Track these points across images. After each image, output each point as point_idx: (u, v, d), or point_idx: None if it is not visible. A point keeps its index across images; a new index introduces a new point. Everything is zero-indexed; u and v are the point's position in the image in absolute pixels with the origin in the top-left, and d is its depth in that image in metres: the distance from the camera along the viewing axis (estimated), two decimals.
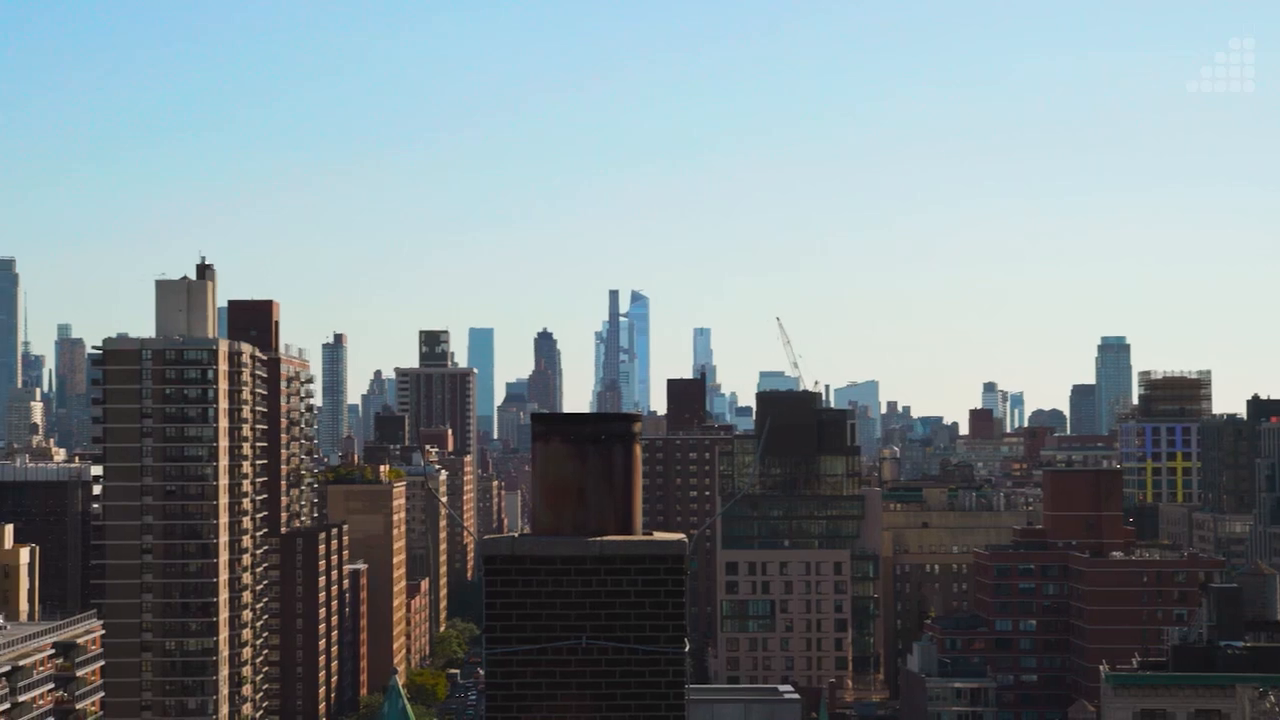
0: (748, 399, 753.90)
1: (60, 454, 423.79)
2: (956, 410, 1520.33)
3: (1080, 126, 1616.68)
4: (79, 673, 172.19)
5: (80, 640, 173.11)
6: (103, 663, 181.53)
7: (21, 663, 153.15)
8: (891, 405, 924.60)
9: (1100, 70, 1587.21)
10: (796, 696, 57.21)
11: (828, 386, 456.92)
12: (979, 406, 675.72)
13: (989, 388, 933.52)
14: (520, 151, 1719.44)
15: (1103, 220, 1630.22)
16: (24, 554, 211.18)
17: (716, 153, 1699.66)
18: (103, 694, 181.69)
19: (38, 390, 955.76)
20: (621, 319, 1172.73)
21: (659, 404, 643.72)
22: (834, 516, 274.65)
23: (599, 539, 17.31)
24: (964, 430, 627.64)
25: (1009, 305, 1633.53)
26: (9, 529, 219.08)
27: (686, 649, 17.34)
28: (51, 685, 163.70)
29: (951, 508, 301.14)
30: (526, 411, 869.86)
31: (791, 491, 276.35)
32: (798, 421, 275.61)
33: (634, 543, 17.35)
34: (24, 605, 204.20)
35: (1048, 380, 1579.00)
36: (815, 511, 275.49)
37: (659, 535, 17.76)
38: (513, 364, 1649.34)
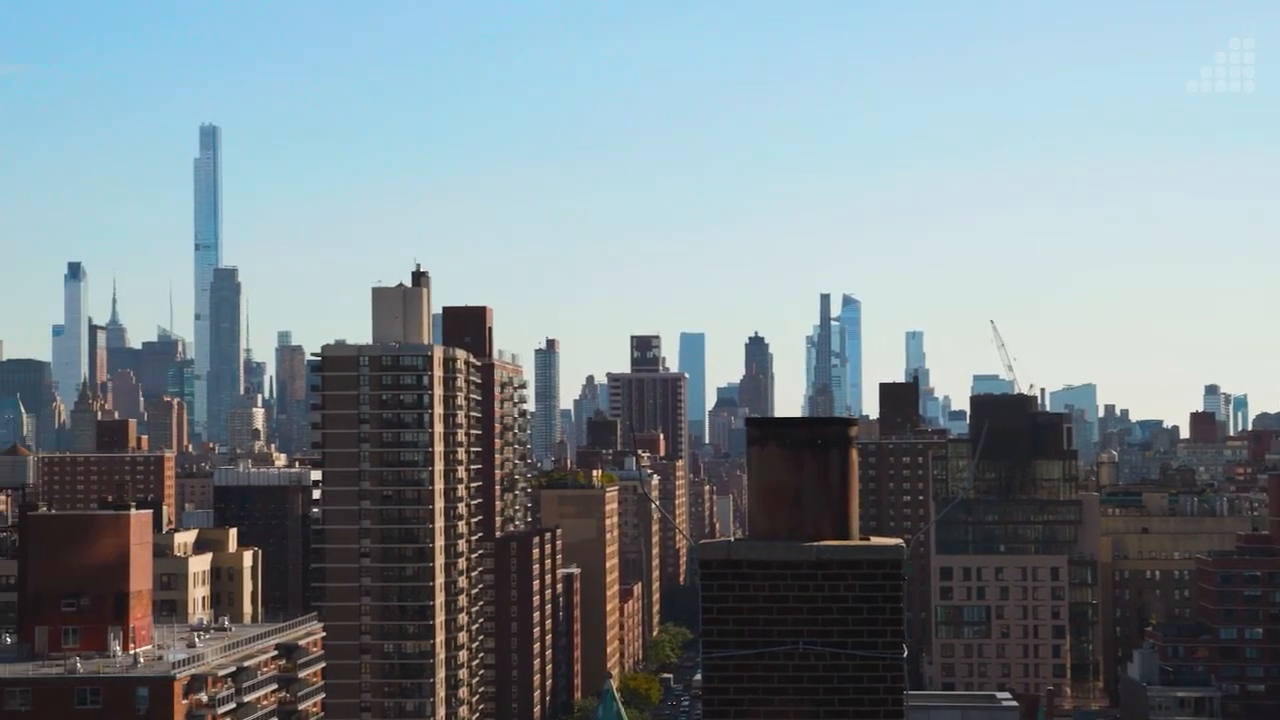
0: (961, 403, 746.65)
1: (281, 459, 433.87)
2: (1177, 413, 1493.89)
3: None
4: (301, 674, 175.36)
5: (302, 642, 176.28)
6: (323, 664, 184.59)
7: (246, 664, 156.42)
8: (1109, 409, 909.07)
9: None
10: (1014, 703, 56.46)
11: (1043, 390, 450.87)
12: (1200, 409, 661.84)
13: (1211, 390, 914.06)
14: (732, 154, 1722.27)
15: None
16: (247, 557, 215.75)
17: (927, 156, 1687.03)
18: (324, 695, 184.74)
19: (259, 396, 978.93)
20: (833, 323, 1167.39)
21: (871, 408, 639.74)
22: (1050, 521, 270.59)
23: (816, 543, 17.15)
24: (1185, 434, 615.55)
25: (1233, 306, 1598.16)
26: (232, 533, 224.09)
27: (904, 654, 17.12)
28: (275, 686, 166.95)
29: (1172, 513, 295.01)
30: (737, 416, 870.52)
31: (1007, 496, 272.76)
32: (1013, 425, 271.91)
33: (851, 547, 17.17)
34: (247, 607, 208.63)
35: (1274, 383, 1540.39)
36: (1031, 516, 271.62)
37: (876, 540, 17.57)
38: (724, 368, 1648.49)
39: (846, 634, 16.83)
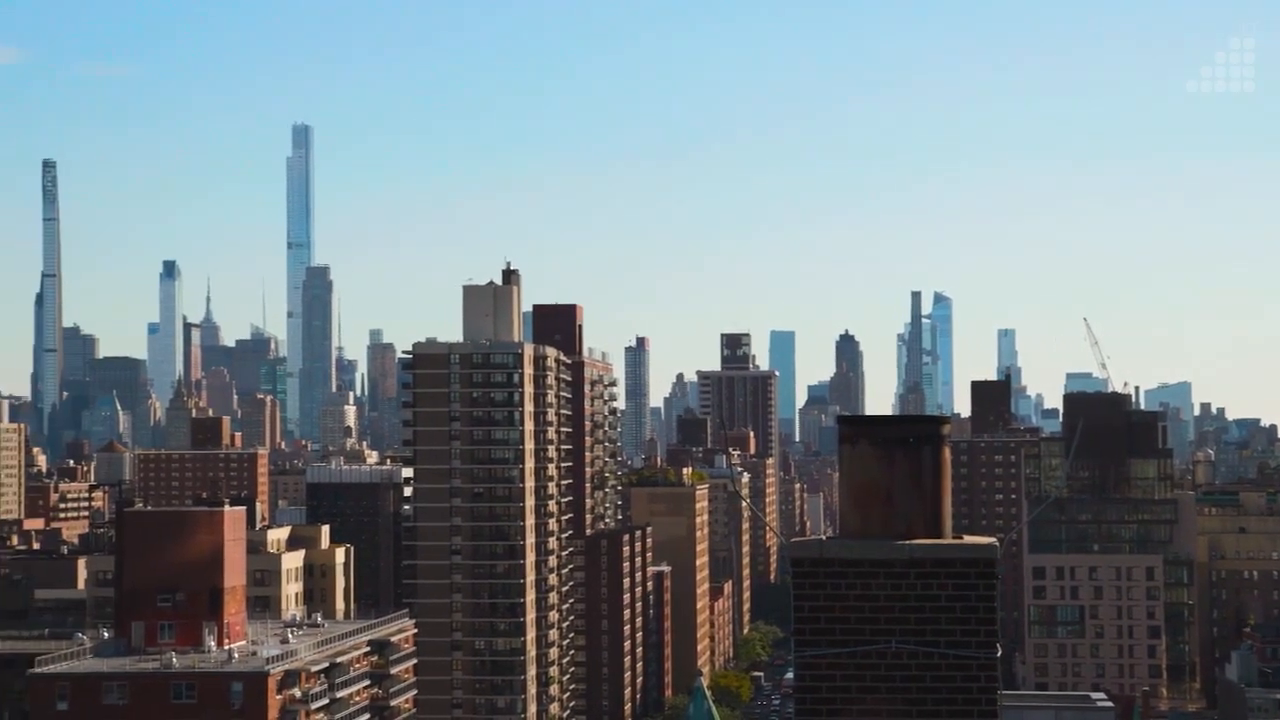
0: (1054, 401, 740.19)
1: (373, 456, 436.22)
2: (1274, 412, 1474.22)
3: None
4: (393, 670, 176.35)
5: (394, 639, 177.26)
6: (415, 661, 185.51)
7: (339, 660, 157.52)
8: (1205, 407, 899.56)
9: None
10: (1110, 704, 55.94)
11: (1137, 388, 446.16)
12: None
13: None
14: (823, 152, 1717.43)
15: None
16: (339, 554, 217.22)
17: (1020, 153, 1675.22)
18: (415, 691, 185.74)
19: (351, 394, 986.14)
20: (924, 320, 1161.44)
21: (962, 406, 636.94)
22: (1145, 521, 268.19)
23: (908, 542, 17.07)
24: None
25: None
26: (325, 529, 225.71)
27: (998, 654, 17.01)
28: (367, 682, 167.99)
29: (1270, 512, 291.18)
30: (828, 414, 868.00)
31: (1101, 495, 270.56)
32: (1107, 424, 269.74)
33: (944, 546, 17.07)
34: (340, 604, 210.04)
35: None
36: (1125, 516, 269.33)
37: (968, 539, 17.46)
38: (814, 366, 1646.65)
39: (939, 633, 16.74)
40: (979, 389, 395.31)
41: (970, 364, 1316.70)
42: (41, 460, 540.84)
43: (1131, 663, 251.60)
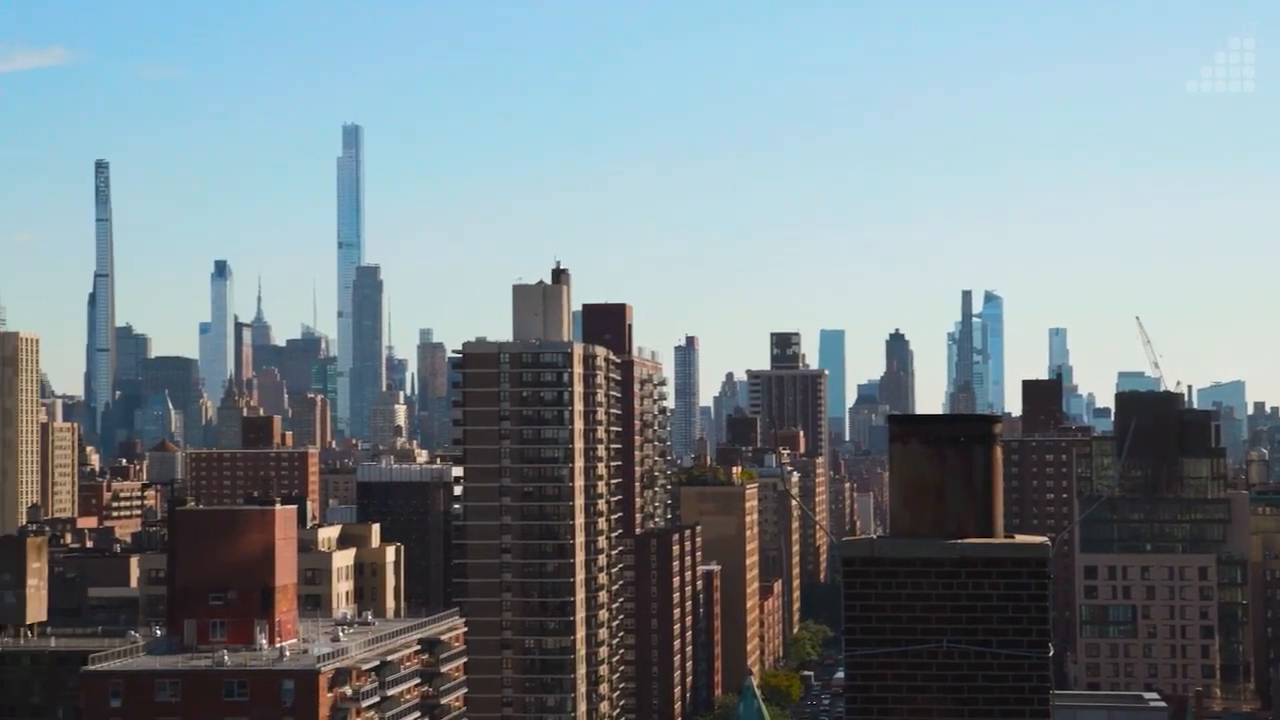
0: (1105, 400, 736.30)
1: (423, 455, 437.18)
2: None
3: None
4: (443, 669, 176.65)
5: (444, 637, 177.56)
6: (465, 659, 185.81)
7: (390, 658, 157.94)
8: (1259, 406, 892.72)
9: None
10: (1163, 704, 55.62)
11: (1190, 387, 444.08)
12: None
13: None
14: (873, 152, 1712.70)
15: None
16: (389, 552, 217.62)
17: (1070, 152, 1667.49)
18: (465, 690, 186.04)
19: (401, 393, 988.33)
20: (975, 319, 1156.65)
21: (1013, 405, 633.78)
22: (1198, 520, 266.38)
23: (959, 541, 17.02)
24: None
25: None
26: (375, 528, 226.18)
27: (1050, 653, 16.95)
28: (418, 680, 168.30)
29: None
30: (878, 413, 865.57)
31: (1152, 494, 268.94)
32: (1159, 423, 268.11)
33: (995, 545, 17.03)
34: (390, 602, 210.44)
35: None
36: (1178, 515, 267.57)
37: (1020, 538, 17.41)
38: (864, 365, 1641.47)
39: (991, 632, 16.70)
40: (1030, 388, 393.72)
41: (1021, 363, 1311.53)
42: (95, 459, 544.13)
43: (1184, 663, 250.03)
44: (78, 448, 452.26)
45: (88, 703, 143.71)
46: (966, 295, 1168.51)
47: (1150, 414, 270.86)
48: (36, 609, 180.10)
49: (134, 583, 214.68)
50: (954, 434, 17.60)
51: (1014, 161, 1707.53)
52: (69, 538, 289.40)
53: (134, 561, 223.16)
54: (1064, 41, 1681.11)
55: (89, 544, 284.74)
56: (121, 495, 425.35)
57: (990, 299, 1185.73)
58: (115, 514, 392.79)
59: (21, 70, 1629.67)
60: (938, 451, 17.46)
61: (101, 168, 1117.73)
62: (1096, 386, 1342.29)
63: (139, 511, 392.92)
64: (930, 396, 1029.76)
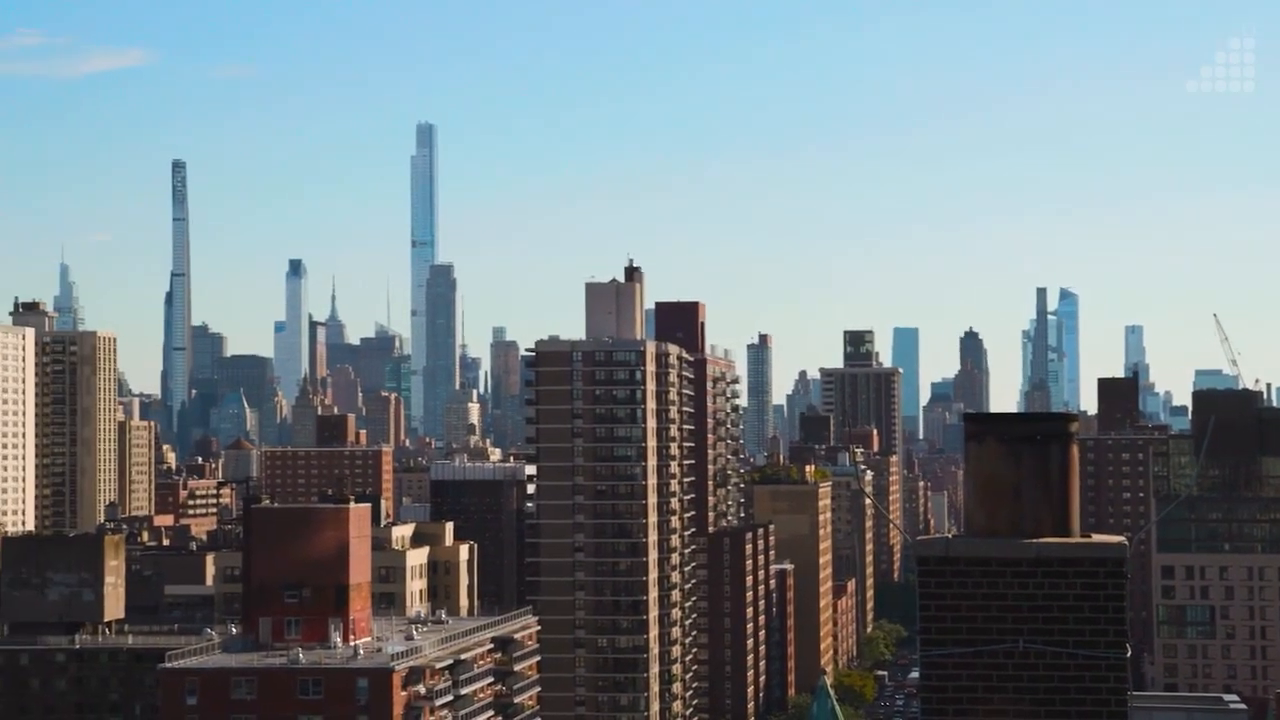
0: (1183, 398, 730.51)
1: (496, 454, 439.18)
2: None
3: None
4: (516, 667, 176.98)
5: (517, 636, 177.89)
6: (538, 658, 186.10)
7: (463, 656, 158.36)
8: None
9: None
10: (1243, 706, 55.04)
11: (1269, 384, 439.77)
12: None
13: None
14: (946, 149, 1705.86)
15: None
16: (463, 551, 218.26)
17: (1141, 148, 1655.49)
18: (538, 689, 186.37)
19: (474, 392, 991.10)
20: (1050, 317, 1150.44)
21: (1089, 403, 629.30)
22: (1278, 520, 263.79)
23: (1035, 540, 16.87)
24: None
25: None
26: (449, 527, 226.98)
27: (1128, 654, 16.79)
28: (491, 679, 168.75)
29: None
30: (952, 411, 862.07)
31: (1231, 494, 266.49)
32: (1238, 421, 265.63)
33: (1072, 545, 16.86)
34: (463, 601, 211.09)
35: None
36: (1258, 514, 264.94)
37: (1097, 538, 17.24)
38: (938, 363, 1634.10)
39: (1067, 633, 16.54)
40: (1106, 386, 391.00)
41: (1097, 361, 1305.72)
42: (171, 457, 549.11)
43: (1265, 664, 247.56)
44: (154, 446, 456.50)
45: (165, 700, 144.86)
46: (1041, 293, 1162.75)
47: (1228, 412, 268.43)
48: (114, 606, 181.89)
49: (209, 580, 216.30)
50: (1030, 432, 17.46)
51: (1089, 158, 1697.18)
52: (146, 535, 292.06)
53: (209, 559, 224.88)
54: (1146, 38, 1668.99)
55: (165, 542, 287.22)
56: (197, 493, 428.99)
57: (1065, 296, 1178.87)
58: (191, 512, 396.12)
59: (100, 72, 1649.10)
60: (1014, 450, 17.32)
61: (178, 167, 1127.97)
62: (1173, 384, 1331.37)
63: (214, 509, 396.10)
64: (1004, 395, 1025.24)
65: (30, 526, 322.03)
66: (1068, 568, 16.63)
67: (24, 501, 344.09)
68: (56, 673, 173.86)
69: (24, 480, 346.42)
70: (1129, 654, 16.72)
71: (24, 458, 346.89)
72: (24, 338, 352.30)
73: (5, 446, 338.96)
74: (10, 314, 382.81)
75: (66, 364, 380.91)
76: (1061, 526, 17.28)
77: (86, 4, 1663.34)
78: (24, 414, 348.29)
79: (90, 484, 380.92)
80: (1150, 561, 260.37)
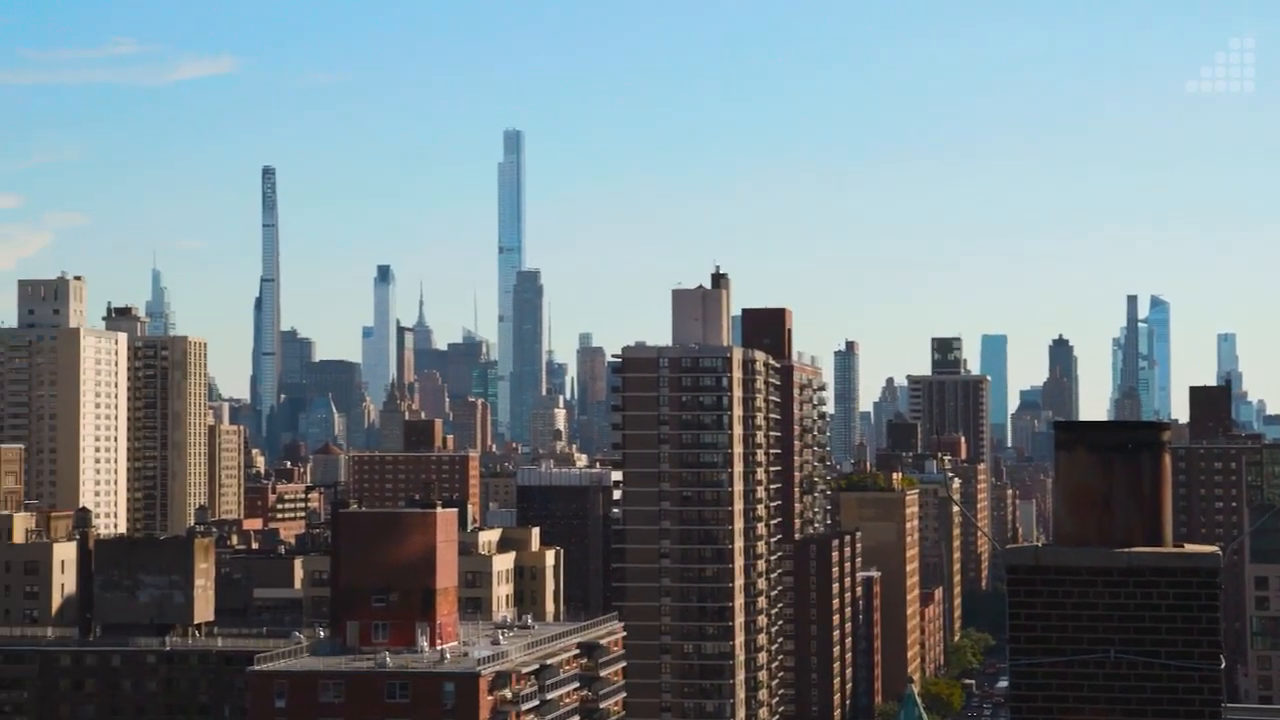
0: (1276, 407, 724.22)
1: (582, 459, 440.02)
2: None
3: None
4: (602, 673, 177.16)
5: (603, 641, 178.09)
6: (624, 664, 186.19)
7: (549, 661, 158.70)
8: None
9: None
10: None
11: None
12: None
13: None
14: (1035, 156, 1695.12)
15: None
16: (549, 556, 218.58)
17: (1237, 153, 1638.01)
18: (624, 694, 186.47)
19: (561, 397, 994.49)
20: (1140, 325, 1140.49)
21: (1180, 412, 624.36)
22: None
23: (1127, 550, 16.72)
24: None
25: None
26: (535, 532, 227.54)
27: (1222, 666, 16.61)
28: (576, 684, 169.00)
29: None
30: (1041, 419, 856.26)
31: None
32: None
33: (1164, 554, 16.71)
34: (549, 606, 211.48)
35: None
36: None
37: (1190, 547, 17.07)
38: (1026, 371, 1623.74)
39: (1159, 643, 16.38)
40: (1198, 394, 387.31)
41: (1188, 369, 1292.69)
42: (260, 462, 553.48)
43: None
44: (244, 450, 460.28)
45: (253, 702, 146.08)
46: (1132, 300, 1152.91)
47: None
48: (204, 609, 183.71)
49: (298, 584, 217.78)
50: (1121, 441, 17.31)
51: (1181, 166, 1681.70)
52: (235, 539, 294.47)
53: (298, 563, 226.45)
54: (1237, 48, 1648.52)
55: (254, 545, 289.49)
56: (286, 497, 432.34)
57: (1156, 304, 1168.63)
58: (280, 516, 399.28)
59: (191, 79, 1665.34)
60: (1105, 459, 17.19)
61: (268, 174, 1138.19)
62: (1267, 393, 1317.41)
63: (303, 513, 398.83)
64: (1094, 403, 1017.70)
65: (122, 529, 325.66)
66: (1160, 577, 16.48)
67: (116, 504, 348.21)
68: (147, 674, 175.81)
69: (116, 483, 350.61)
70: (1223, 665, 16.54)
71: (116, 461, 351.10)
72: (117, 342, 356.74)
73: (99, 450, 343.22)
74: (104, 319, 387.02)
75: (158, 368, 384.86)
76: (1153, 536, 17.14)
77: (178, 12, 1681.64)
78: (116, 417, 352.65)
79: (180, 487, 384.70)
80: (1244, 572, 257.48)
